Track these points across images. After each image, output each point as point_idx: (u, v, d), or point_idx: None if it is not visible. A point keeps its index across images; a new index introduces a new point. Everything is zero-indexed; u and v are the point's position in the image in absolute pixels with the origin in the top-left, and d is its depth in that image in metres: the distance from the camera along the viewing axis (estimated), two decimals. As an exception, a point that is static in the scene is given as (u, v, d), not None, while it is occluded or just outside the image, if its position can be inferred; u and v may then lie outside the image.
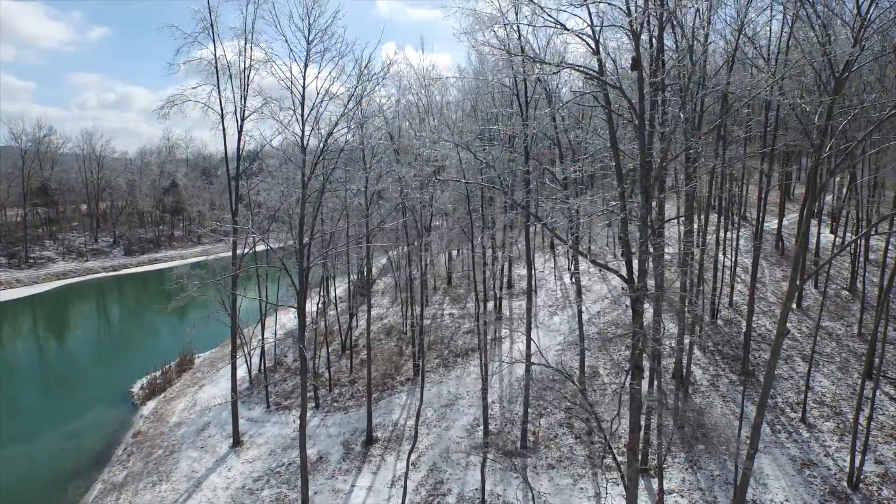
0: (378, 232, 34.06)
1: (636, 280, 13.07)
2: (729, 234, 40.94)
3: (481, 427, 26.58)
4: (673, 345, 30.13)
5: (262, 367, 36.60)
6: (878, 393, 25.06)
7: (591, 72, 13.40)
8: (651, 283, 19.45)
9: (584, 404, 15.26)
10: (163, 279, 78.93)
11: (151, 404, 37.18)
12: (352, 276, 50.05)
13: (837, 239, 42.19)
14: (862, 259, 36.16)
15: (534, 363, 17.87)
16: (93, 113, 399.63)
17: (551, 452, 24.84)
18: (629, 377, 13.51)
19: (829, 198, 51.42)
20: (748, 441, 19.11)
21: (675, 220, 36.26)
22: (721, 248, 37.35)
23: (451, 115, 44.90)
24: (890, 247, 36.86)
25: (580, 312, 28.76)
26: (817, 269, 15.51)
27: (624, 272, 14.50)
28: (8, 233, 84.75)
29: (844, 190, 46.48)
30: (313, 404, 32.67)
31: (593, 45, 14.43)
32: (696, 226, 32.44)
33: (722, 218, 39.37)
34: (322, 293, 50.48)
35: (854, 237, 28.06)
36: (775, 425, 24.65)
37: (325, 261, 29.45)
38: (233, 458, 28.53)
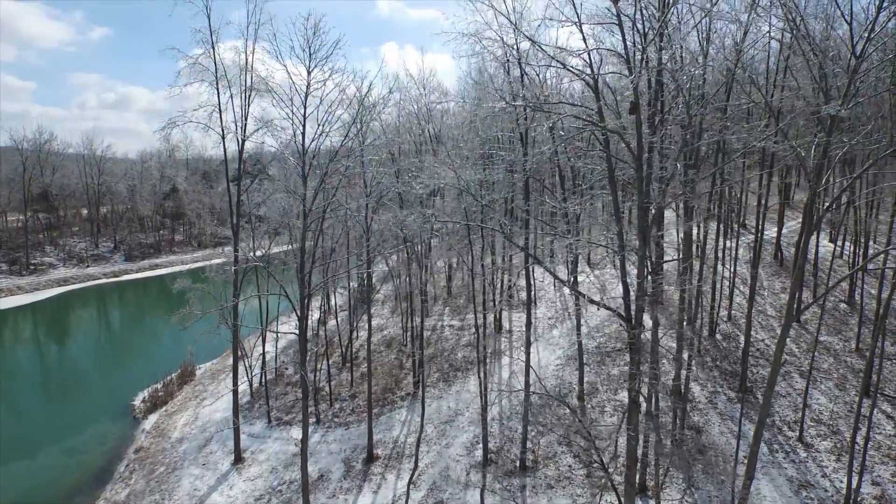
0: (379, 242, 34.37)
1: (633, 320, 13.24)
2: (728, 242, 41.05)
3: (481, 445, 26.75)
4: (671, 359, 30.26)
5: (263, 381, 36.78)
6: (875, 411, 25.21)
7: (590, 115, 13.53)
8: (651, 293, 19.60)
9: (582, 431, 15.42)
10: (163, 285, 79.23)
11: (153, 418, 37.33)
12: (352, 285, 50.27)
13: (837, 248, 42.29)
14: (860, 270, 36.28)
15: (533, 392, 18.00)
16: (93, 113, 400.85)
17: (550, 472, 25.01)
18: (626, 416, 13.66)
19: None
20: (745, 462, 19.26)
21: (676, 220, 36.25)
22: (720, 259, 37.44)
23: (451, 129, 44.96)
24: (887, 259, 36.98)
25: (580, 344, 29.07)
26: (812, 302, 15.66)
27: (620, 307, 14.70)
28: (9, 238, 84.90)
29: (844, 199, 46.55)
30: (314, 419, 32.85)
31: (593, 84, 14.61)
32: (695, 234, 32.60)
33: (721, 226, 39.47)
34: (323, 303, 50.76)
35: (853, 268, 28.03)
36: (773, 444, 24.82)
37: (325, 285, 29.64)
38: (234, 475, 28.71)
